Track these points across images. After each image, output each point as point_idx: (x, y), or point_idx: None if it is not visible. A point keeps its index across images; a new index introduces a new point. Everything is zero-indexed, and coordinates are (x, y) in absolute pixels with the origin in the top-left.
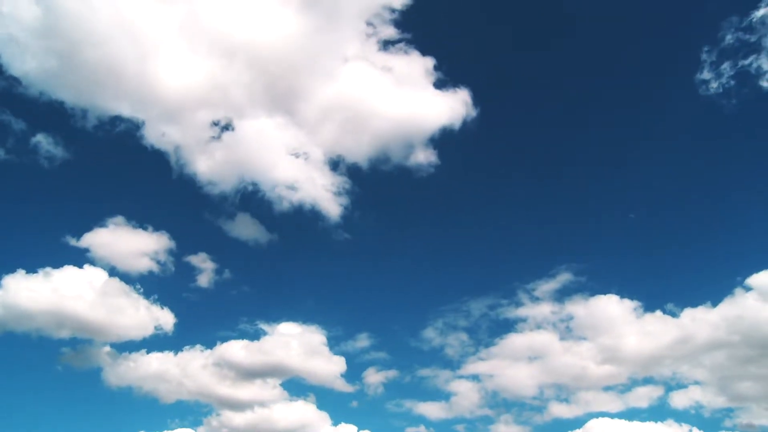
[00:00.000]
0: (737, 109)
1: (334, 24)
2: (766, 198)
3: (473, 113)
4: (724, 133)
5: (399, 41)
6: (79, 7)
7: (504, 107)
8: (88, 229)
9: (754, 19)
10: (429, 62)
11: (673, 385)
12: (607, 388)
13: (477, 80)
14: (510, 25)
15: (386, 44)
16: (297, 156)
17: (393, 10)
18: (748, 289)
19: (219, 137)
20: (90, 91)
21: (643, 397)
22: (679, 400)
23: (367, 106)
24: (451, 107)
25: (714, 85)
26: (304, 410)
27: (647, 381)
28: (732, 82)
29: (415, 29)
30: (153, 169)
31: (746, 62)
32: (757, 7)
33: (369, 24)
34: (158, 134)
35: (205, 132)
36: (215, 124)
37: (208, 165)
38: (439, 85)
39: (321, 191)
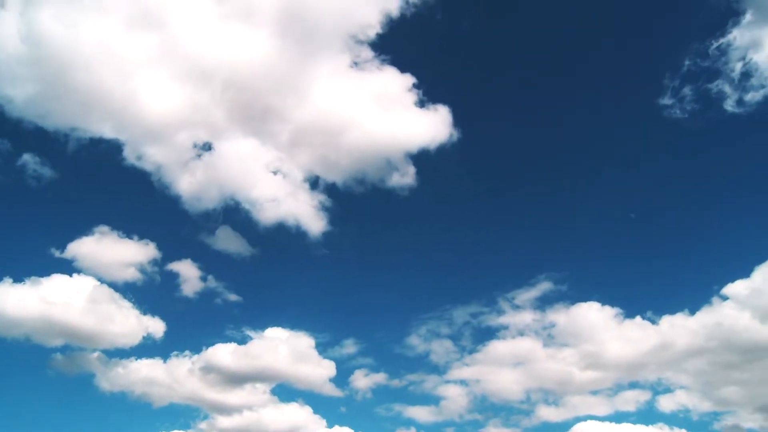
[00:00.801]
0: (704, 130)
1: (311, 44)
2: (740, 211)
3: (452, 130)
4: (694, 151)
5: (377, 60)
6: (62, 35)
7: (482, 124)
8: (75, 238)
9: (713, 47)
10: (408, 81)
11: (659, 389)
12: (594, 392)
13: (456, 98)
14: (488, 45)
15: (364, 63)
16: (276, 174)
17: (371, 30)
18: (724, 298)
19: (200, 157)
20: (75, 114)
21: (630, 401)
22: (666, 404)
23: (345, 124)
24: (430, 125)
25: (677, 109)
26: (297, 413)
27: (633, 385)
28: (696, 106)
29: (393, 48)
30: (137, 188)
31: (709, 86)
32: (716, 35)
33: (346, 43)
34: (141, 155)
35: (186, 152)
36: (196, 145)
37: (190, 183)
38: (418, 103)
39: (301, 208)
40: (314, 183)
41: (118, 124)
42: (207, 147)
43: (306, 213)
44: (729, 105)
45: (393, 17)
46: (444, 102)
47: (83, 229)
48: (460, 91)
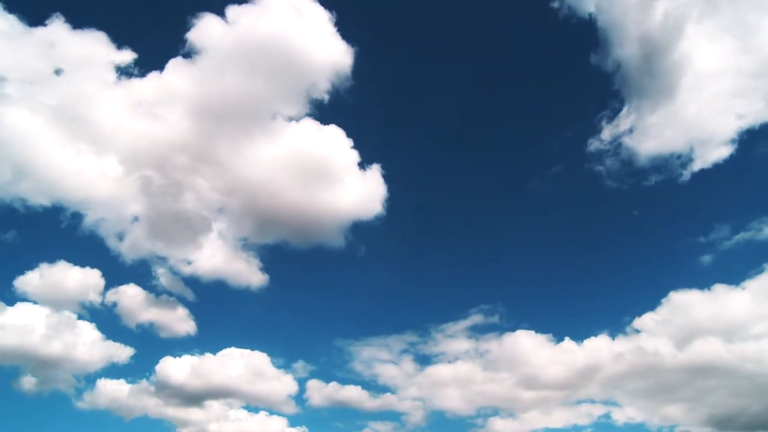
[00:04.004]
0: (624, 182)
1: (233, 118)
2: (643, 254)
3: (383, 185)
4: (610, 205)
5: (311, 119)
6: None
7: (409, 180)
8: (28, 270)
9: (595, 133)
10: (340, 145)
11: (608, 405)
12: (543, 408)
13: (388, 158)
14: (404, 122)
15: (300, 122)
16: (211, 234)
17: (306, 90)
18: (637, 331)
19: (133, 222)
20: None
21: (583, 415)
22: (618, 418)
23: (280, 185)
24: (360, 181)
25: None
26: (261, 426)
27: (581, 402)
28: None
29: (326, 108)
30: (79, 245)
31: (625, 149)
32: (596, 123)
33: (277, 107)
34: (78, 222)
35: (120, 219)
36: (131, 214)
37: (129, 245)
38: (350, 165)
39: (238, 266)
40: (248, 243)
41: (55, 196)
42: (136, 218)
43: (242, 269)
44: (611, 183)
45: (316, 92)
46: (375, 162)
47: (38, 260)
48: (389, 154)
